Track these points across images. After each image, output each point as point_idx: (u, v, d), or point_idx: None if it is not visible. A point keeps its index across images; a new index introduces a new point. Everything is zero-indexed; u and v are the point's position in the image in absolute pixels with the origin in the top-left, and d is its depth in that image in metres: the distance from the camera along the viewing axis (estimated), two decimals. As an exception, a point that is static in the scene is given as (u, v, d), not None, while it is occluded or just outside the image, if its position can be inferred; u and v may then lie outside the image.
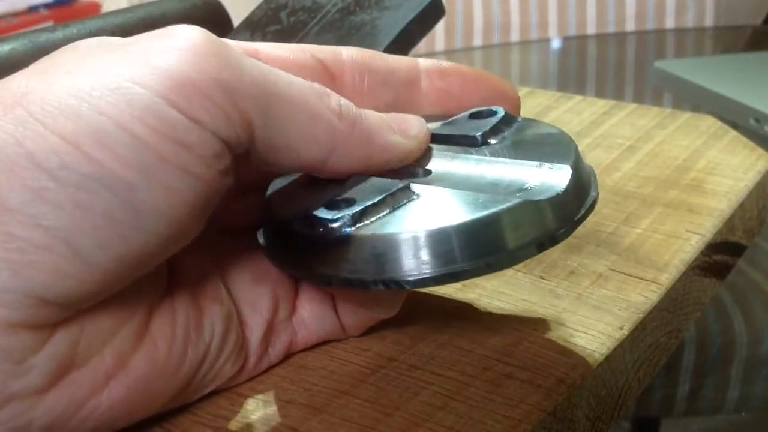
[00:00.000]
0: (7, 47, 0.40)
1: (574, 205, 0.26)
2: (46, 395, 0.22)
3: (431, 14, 0.42)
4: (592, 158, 0.41)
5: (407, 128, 0.28)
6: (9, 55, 0.40)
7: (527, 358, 0.27)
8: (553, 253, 0.33)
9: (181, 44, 0.23)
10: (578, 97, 0.48)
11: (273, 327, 0.28)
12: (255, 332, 0.27)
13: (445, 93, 0.30)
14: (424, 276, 0.24)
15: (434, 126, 0.30)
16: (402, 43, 0.42)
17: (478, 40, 1.35)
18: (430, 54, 1.30)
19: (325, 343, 0.29)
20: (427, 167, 0.28)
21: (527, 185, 0.26)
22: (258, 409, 0.26)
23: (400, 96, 0.29)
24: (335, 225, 0.25)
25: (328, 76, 0.28)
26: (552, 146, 0.28)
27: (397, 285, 0.25)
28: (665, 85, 1.05)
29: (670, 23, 1.35)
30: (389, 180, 0.27)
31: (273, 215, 0.27)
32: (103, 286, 0.22)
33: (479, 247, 0.24)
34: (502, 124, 0.30)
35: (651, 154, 0.41)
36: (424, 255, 0.24)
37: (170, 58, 0.23)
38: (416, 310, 0.29)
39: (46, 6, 0.99)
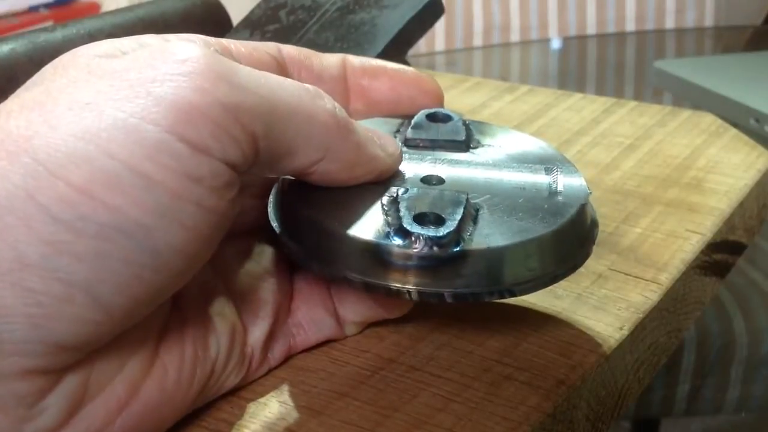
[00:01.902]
0: (7, 47, 0.40)
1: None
2: (65, 429, 0.22)
3: (431, 13, 0.42)
4: (591, 157, 0.41)
5: (385, 145, 0.28)
6: (9, 55, 0.40)
7: (527, 359, 0.27)
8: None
9: (181, 69, 0.22)
10: (578, 95, 0.48)
11: (273, 332, 0.28)
12: (257, 340, 0.27)
13: (369, 90, 0.31)
14: (536, 281, 0.26)
15: (394, 125, 0.31)
16: (401, 42, 0.42)
17: (478, 41, 1.35)
18: (430, 54, 1.30)
19: (323, 345, 0.29)
20: (433, 174, 0.29)
21: (555, 188, 0.28)
22: (258, 411, 0.26)
23: (332, 92, 0.29)
24: (445, 242, 0.25)
25: (282, 71, 0.29)
26: (539, 149, 0.31)
27: (511, 294, 0.26)
28: (665, 85, 1.05)
29: (670, 23, 1.35)
30: (452, 192, 0.27)
31: (334, 234, 0.26)
32: (119, 326, 0.22)
33: (582, 242, 0.28)
34: (466, 128, 0.31)
35: (651, 152, 0.41)
36: (533, 262, 0.26)
37: (173, 87, 0.22)
38: (415, 310, 0.29)
39: (46, 6, 0.99)
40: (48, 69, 0.24)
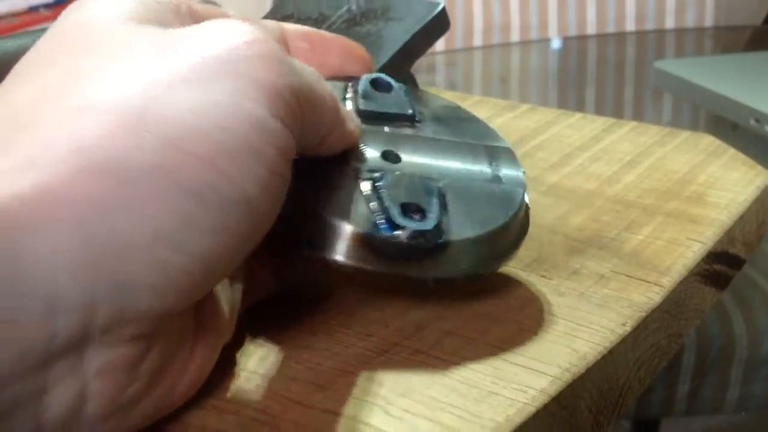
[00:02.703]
0: (15, 43, 0.40)
1: None
2: (146, 397, 0.23)
3: (436, 27, 0.42)
4: (593, 170, 0.42)
5: (354, 119, 0.30)
6: (16, 52, 0.40)
7: (531, 348, 0.28)
8: (555, 254, 0.34)
9: (252, 50, 0.24)
10: (578, 115, 0.49)
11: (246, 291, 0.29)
12: (237, 300, 0.28)
13: (308, 53, 0.32)
14: (500, 259, 0.30)
15: (341, 90, 0.32)
16: (407, 54, 0.42)
17: (478, 40, 1.36)
18: (430, 54, 1.30)
19: (327, 327, 0.29)
20: (391, 149, 0.30)
21: (496, 170, 0.31)
22: (263, 385, 0.27)
23: None
24: (430, 234, 0.27)
25: None
26: (468, 122, 0.34)
27: (479, 277, 0.29)
28: (665, 85, 1.05)
29: (670, 23, 1.36)
30: (420, 175, 0.29)
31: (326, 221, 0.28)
32: (206, 292, 0.23)
33: (525, 217, 0.31)
34: (408, 97, 0.33)
35: (651, 167, 0.42)
36: (498, 245, 0.30)
37: (263, 68, 0.23)
38: (419, 300, 0.30)
39: (46, 6, 0.99)
40: (72, 36, 0.25)
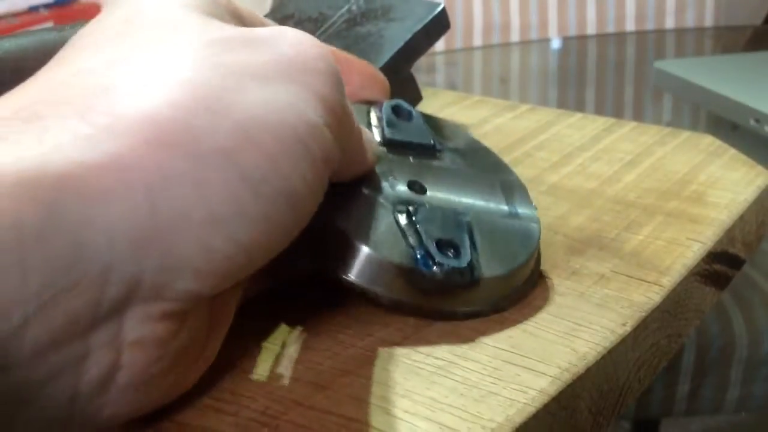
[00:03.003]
0: (15, 42, 0.40)
1: None
2: (167, 376, 0.23)
3: (436, 27, 0.42)
4: (593, 170, 0.42)
5: (372, 143, 0.31)
6: (17, 50, 0.40)
7: (531, 348, 0.28)
8: (555, 254, 0.34)
9: (321, 66, 0.25)
10: (579, 115, 0.49)
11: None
12: (241, 297, 0.29)
13: None
14: (523, 290, 0.31)
15: (363, 113, 0.33)
16: (407, 54, 0.42)
17: (478, 40, 1.36)
18: (430, 54, 1.30)
19: (328, 327, 0.29)
20: (417, 180, 0.31)
21: (513, 205, 0.32)
22: (264, 385, 0.27)
23: None
24: (465, 270, 0.29)
25: None
26: (481, 152, 0.35)
27: (505, 308, 0.30)
28: (665, 85, 1.05)
29: (670, 23, 1.36)
30: (449, 209, 0.30)
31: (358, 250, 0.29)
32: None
33: (540, 260, 0.33)
34: (427, 125, 0.34)
35: (652, 167, 0.42)
36: (520, 278, 0.31)
37: (324, 83, 0.25)
38: None
39: (46, 6, 0.99)
40: (139, 16, 0.25)
